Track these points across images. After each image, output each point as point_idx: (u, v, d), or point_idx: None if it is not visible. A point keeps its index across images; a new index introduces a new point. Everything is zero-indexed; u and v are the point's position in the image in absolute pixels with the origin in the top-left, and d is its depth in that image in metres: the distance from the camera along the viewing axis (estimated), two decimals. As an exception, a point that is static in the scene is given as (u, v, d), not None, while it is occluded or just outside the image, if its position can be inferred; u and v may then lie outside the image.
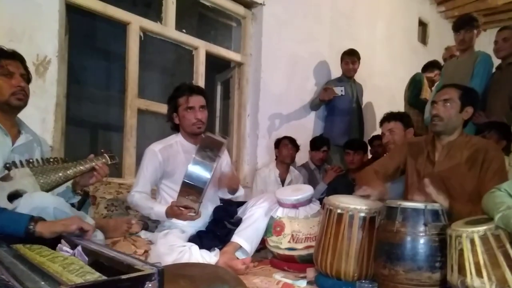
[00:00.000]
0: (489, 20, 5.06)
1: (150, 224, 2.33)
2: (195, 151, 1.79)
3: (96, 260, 0.90)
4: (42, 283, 0.75)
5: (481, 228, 1.28)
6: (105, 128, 3.67)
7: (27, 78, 1.62)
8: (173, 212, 1.85)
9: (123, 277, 0.69)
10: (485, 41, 4.21)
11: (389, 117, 2.50)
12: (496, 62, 2.85)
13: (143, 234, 2.13)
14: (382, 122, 2.55)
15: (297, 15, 3.60)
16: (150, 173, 2.04)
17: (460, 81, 2.44)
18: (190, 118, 2.05)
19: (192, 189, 1.77)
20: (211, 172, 1.75)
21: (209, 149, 1.77)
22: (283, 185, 3.05)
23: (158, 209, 1.94)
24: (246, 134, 3.43)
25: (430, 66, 3.85)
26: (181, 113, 2.08)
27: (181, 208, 1.81)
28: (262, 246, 2.19)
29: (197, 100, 2.06)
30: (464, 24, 2.83)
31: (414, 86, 3.59)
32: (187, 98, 2.04)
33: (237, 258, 1.93)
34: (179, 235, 1.96)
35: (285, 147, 3.12)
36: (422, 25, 5.28)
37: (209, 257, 1.86)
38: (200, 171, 1.75)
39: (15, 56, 1.59)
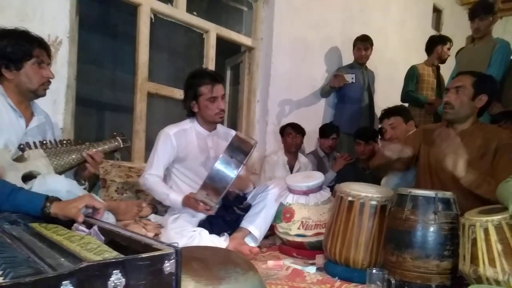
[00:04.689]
0: (505, 7, 4.91)
1: (159, 208, 2.35)
2: (225, 150, 1.73)
3: (112, 240, 0.91)
4: (62, 259, 0.75)
5: (496, 218, 1.27)
6: (115, 110, 3.67)
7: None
8: (189, 203, 1.85)
9: (143, 255, 0.69)
10: (500, 29, 4.10)
11: (388, 113, 2.50)
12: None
13: (153, 218, 2.16)
14: (381, 119, 2.55)
15: (309, 0, 3.53)
16: (164, 156, 2.03)
17: (476, 69, 2.36)
18: (213, 108, 2.01)
19: (213, 187, 1.74)
20: (236, 174, 1.70)
21: (238, 150, 1.73)
22: (291, 172, 3.04)
23: (174, 197, 1.93)
24: (256, 120, 3.42)
25: (431, 45, 3.49)
26: (203, 103, 2.02)
27: (198, 201, 1.81)
28: (271, 232, 2.20)
29: (220, 89, 2.01)
30: (478, 13, 2.75)
31: (407, 82, 3.44)
32: (211, 88, 1.98)
33: (246, 244, 1.94)
34: (189, 219, 1.97)
35: (288, 135, 3.10)
36: (437, 11, 5.16)
37: (219, 242, 1.88)
38: (225, 172, 1.70)
39: (46, 45, 1.60)
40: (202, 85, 1.99)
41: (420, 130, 2.04)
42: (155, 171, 2.02)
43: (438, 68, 3.47)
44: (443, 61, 3.47)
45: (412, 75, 3.41)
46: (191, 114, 2.13)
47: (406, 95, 3.41)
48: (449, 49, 3.44)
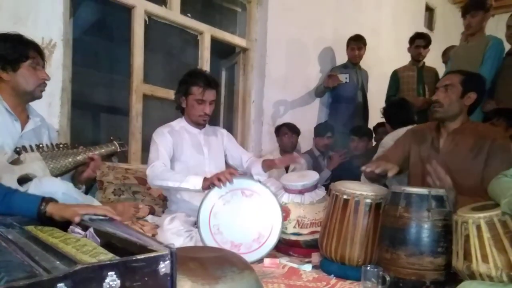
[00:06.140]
0: (498, 5, 4.94)
1: (156, 209, 2.36)
2: None
3: (108, 242, 0.91)
4: (57, 262, 0.76)
5: (488, 214, 1.28)
6: (111, 112, 3.67)
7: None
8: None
9: (138, 257, 0.70)
10: (492, 27, 4.12)
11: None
12: (507, 47, 2.78)
13: (150, 219, 2.16)
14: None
15: (302, 0, 3.55)
16: (165, 147, 2.02)
17: (469, 66, 2.39)
18: (198, 110, 2.05)
19: None
20: None
21: None
22: (287, 172, 3.05)
23: (193, 178, 1.88)
24: (251, 120, 3.43)
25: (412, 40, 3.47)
26: (190, 101, 2.06)
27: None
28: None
29: (210, 95, 2.04)
30: (470, 8, 2.77)
31: (389, 87, 3.46)
32: (203, 91, 2.00)
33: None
34: (186, 220, 1.98)
35: (284, 135, 3.12)
36: (429, 10, 5.20)
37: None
38: None
39: (40, 49, 1.62)
40: (195, 85, 2.01)
41: (409, 132, 2.05)
42: (162, 159, 1.98)
43: (420, 67, 3.44)
44: (415, 60, 3.42)
45: (393, 80, 3.45)
46: (180, 109, 2.15)
47: (386, 100, 3.43)
48: (418, 46, 3.37)
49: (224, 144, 2.25)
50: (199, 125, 2.14)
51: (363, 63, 3.72)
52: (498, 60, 2.70)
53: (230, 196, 1.85)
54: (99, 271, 0.66)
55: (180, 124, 2.15)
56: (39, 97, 1.64)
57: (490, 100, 2.61)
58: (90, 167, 1.62)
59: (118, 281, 0.67)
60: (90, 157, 1.62)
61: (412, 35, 3.50)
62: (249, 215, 1.85)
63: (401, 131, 2.25)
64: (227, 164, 2.29)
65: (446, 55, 3.73)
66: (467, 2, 2.89)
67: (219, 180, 1.81)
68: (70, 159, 1.59)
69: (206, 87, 2.00)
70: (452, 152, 1.81)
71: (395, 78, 3.44)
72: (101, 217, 1.17)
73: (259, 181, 1.93)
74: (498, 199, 1.30)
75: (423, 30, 4.98)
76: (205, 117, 2.08)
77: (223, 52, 3.57)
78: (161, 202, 2.42)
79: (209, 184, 1.85)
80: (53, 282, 0.61)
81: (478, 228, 1.28)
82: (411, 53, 3.45)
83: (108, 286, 0.66)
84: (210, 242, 1.79)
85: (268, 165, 2.14)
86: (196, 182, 1.87)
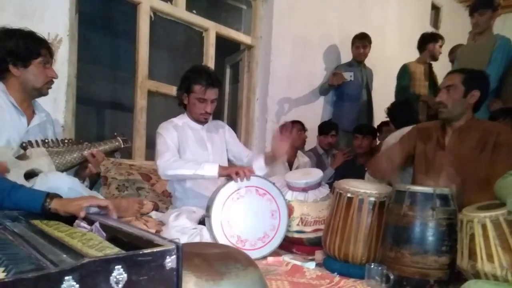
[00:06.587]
0: (506, 4, 4.90)
1: (160, 205, 2.36)
2: None
3: (114, 236, 0.92)
4: (64, 255, 0.76)
5: (493, 213, 1.27)
6: (115, 108, 3.68)
7: None
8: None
9: (145, 251, 0.70)
10: (499, 26, 4.09)
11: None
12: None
13: (154, 215, 2.17)
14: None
15: (308, -2, 3.54)
16: (172, 140, 2.03)
17: (476, 65, 2.37)
18: (199, 108, 2.05)
19: None
20: None
21: None
22: (290, 170, 3.06)
23: (208, 165, 1.90)
24: (255, 118, 3.43)
25: (423, 43, 3.45)
26: (191, 99, 2.05)
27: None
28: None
29: (212, 94, 2.02)
30: (477, 7, 2.75)
31: (402, 79, 3.41)
32: (204, 90, 1.99)
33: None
34: (190, 216, 1.98)
35: (299, 132, 3.13)
36: (435, 8, 5.16)
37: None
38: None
39: (50, 47, 1.64)
40: (197, 84, 2.00)
41: (415, 129, 2.06)
42: (172, 152, 1.98)
43: (430, 66, 3.43)
44: (435, 58, 3.43)
45: (404, 74, 3.38)
46: (182, 105, 2.15)
47: (400, 92, 3.37)
48: (440, 46, 3.40)
49: (225, 138, 2.26)
50: (200, 122, 2.14)
51: (368, 61, 3.71)
52: (505, 59, 2.68)
53: (245, 192, 1.86)
54: (106, 264, 0.66)
55: (182, 120, 2.15)
56: (46, 94, 1.67)
57: (497, 100, 2.60)
58: (91, 163, 1.64)
59: (125, 275, 0.67)
60: (91, 154, 1.63)
61: (431, 33, 3.51)
62: (259, 213, 1.87)
63: (405, 130, 2.24)
64: (228, 160, 2.29)
65: (453, 54, 3.70)
66: (474, 1, 2.86)
67: (237, 174, 1.82)
68: (75, 155, 1.60)
69: (208, 86, 1.98)
70: (458, 148, 1.81)
71: (407, 71, 3.37)
72: (103, 213, 1.18)
73: (273, 184, 1.94)
74: (504, 199, 1.30)
75: (429, 28, 4.96)
76: (206, 116, 2.08)
77: (228, 49, 3.57)
78: (165, 198, 2.43)
79: (226, 174, 1.86)
80: (61, 275, 0.61)
81: (484, 227, 1.27)
82: (433, 51, 3.39)
83: (115, 279, 0.66)
84: (218, 233, 1.78)
85: (269, 159, 2.13)
86: (211, 169, 1.88)
